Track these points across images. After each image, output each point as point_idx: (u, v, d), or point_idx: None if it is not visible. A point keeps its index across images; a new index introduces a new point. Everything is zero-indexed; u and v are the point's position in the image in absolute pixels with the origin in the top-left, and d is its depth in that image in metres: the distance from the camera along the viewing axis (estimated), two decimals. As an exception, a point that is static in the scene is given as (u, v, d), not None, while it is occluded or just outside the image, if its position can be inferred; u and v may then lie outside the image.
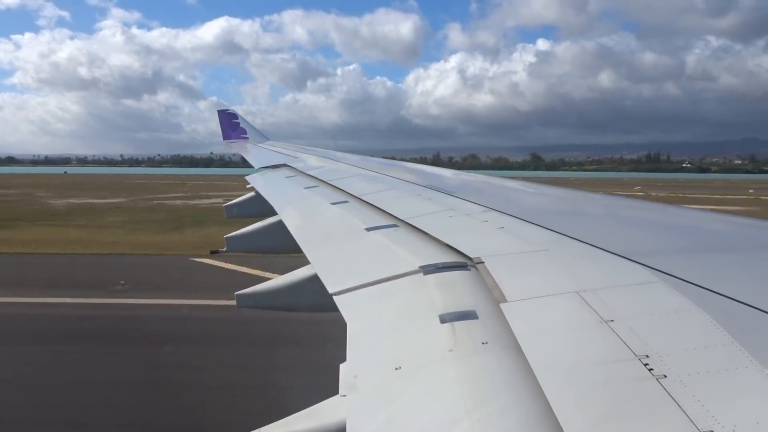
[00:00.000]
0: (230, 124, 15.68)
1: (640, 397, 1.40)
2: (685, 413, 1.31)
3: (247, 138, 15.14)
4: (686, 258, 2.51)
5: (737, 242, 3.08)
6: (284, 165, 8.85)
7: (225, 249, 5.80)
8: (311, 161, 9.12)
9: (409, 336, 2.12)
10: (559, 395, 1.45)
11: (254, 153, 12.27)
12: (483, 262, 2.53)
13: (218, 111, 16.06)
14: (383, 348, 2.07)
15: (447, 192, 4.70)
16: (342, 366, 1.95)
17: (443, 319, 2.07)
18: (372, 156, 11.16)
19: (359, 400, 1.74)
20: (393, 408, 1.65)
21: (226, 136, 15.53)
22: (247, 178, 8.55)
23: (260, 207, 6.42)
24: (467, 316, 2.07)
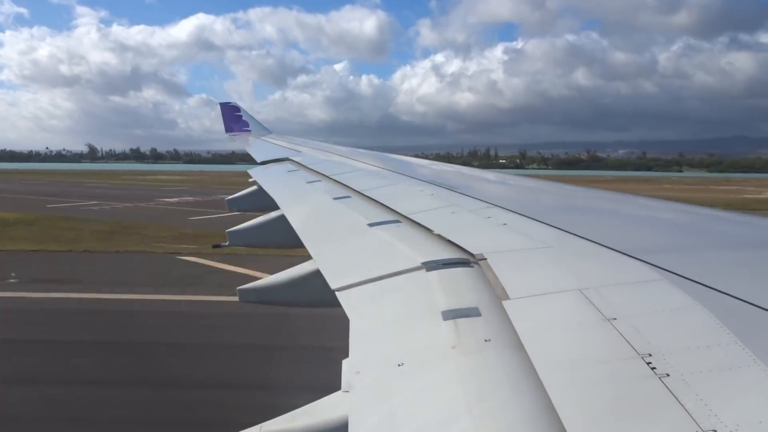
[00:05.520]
0: (233, 116, 15.59)
1: (643, 395, 1.40)
2: (688, 412, 1.31)
3: (250, 131, 15.05)
4: (689, 256, 2.50)
5: (741, 240, 3.07)
6: (286, 159, 8.83)
7: (227, 243, 5.78)
8: (313, 155, 9.09)
9: (412, 333, 2.11)
10: (561, 393, 1.45)
11: (257, 146, 12.23)
12: (485, 259, 2.53)
13: (221, 104, 15.94)
14: (386, 344, 2.07)
15: (450, 188, 4.69)
16: (344, 362, 1.95)
17: (446, 316, 2.07)
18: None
19: (361, 396, 1.74)
20: (395, 404, 1.65)
21: (228, 128, 15.44)
22: (249, 171, 8.51)
23: (262, 201, 6.41)
24: (470, 313, 2.06)
